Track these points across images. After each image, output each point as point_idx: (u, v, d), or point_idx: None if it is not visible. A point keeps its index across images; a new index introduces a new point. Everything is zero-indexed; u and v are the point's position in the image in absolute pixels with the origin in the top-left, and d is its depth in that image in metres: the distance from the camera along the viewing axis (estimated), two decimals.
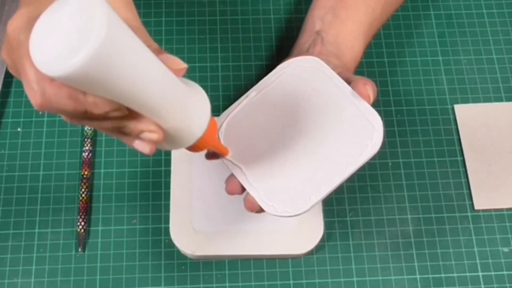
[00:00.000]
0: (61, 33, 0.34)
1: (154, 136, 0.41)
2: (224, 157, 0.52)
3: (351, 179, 0.67)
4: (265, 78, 0.55)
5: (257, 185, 0.51)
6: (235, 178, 0.52)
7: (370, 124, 0.51)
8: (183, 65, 0.42)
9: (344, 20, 0.61)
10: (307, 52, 0.60)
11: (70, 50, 0.33)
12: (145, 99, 0.39)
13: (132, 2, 0.45)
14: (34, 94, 0.38)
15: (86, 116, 0.38)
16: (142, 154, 0.68)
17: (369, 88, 0.52)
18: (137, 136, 0.41)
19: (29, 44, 0.36)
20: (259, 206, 0.51)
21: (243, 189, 0.52)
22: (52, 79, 0.36)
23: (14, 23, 0.39)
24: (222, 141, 0.53)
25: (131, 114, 0.40)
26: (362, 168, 0.51)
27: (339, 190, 0.67)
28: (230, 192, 0.52)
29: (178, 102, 0.42)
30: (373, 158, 0.50)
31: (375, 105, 0.71)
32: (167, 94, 0.40)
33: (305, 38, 0.62)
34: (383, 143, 0.69)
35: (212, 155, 0.53)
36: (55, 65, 0.34)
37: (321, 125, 0.51)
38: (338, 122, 0.51)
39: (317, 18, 0.62)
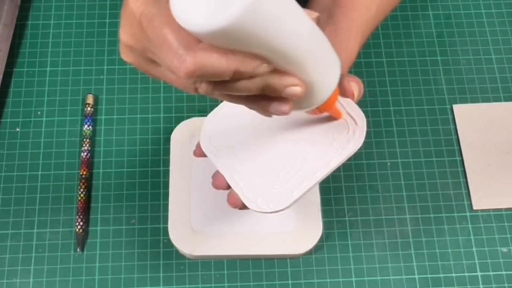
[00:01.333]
0: None
1: (298, 90, 0.40)
2: (338, 119, 0.51)
3: (349, 179, 0.68)
4: None
5: (241, 181, 0.51)
6: (220, 173, 0.52)
7: (353, 120, 0.51)
8: (316, 14, 0.41)
9: (338, 19, 0.61)
10: None
11: (223, 3, 0.32)
12: (295, 50, 0.38)
13: None
14: (183, 61, 0.36)
15: (235, 76, 0.37)
16: (141, 154, 0.68)
17: (354, 85, 0.52)
18: (280, 93, 0.40)
19: (172, 6, 0.34)
20: (242, 202, 0.51)
21: (229, 185, 0.52)
22: (199, 41, 0.35)
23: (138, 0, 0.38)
24: (208, 140, 0.53)
25: (274, 71, 0.39)
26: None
27: (337, 190, 0.67)
28: (216, 187, 0.53)
29: (322, 53, 0.41)
30: (357, 154, 0.51)
31: (373, 105, 0.71)
32: (315, 43, 0.40)
33: None
34: (381, 143, 0.69)
35: (200, 153, 0.54)
36: (208, 21, 0.33)
37: (304, 121, 0.52)
38: (322, 119, 0.52)
39: (312, 18, 0.62)
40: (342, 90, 0.52)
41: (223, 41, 0.35)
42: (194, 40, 0.36)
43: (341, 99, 0.52)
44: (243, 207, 0.52)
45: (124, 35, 0.40)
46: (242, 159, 0.52)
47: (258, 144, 0.52)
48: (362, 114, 0.51)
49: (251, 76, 0.38)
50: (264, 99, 0.41)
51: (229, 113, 0.54)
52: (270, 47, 0.36)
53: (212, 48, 0.36)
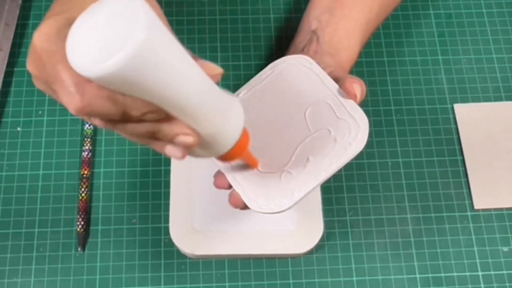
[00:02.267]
0: (100, 35, 0.34)
1: (189, 139, 0.40)
2: (254, 168, 0.52)
3: (350, 178, 0.68)
4: (256, 76, 0.55)
5: (242, 181, 0.51)
6: (222, 173, 0.52)
7: (355, 122, 0.51)
8: (219, 70, 0.42)
9: (340, 19, 0.61)
10: (302, 51, 0.60)
11: (109, 51, 0.33)
12: (183, 101, 0.38)
13: (156, 4, 0.45)
14: (72, 98, 0.37)
15: (123, 118, 0.38)
16: (142, 153, 0.68)
17: (356, 87, 0.52)
18: (171, 140, 0.41)
19: (67, 48, 0.35)
20: (243, 202, 0.51)
21: (230, 185, 0.52)
22: (89, 81, 0.37)
23: (42, 34, 0.39)
24: None
25: (166, 118, 0.40)
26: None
27: (338, 189, 0.67)
28: (218, 187, 0.53)
29: (214, 106, 0.41)
30: (360, 155, 0.50)
31: (374, 104, 0.71)
32: (205, 97, 0.40)
33: (301, 38, 0.62)
34: (382, 143, 0.69)
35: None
36: (94, 66, 0.34)
37: (307, 123, 0.52)
38: (324, 120, 0.52)
39: (314, 18, 0.62)
40: (344, 91, 0.52)
41: (109, 86, 0.36)
42: (85, 79, 0.37)
43: (343, 100, 0.52)
44: (245, 207, 0.52)
45: (29, 65, 0.42)
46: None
47: (259, 144, 0.52)
48: (365, 116, 0.51)
49: (140, 120, 0.39)
50: (158, 140, 0.41)
51: None
52: (157, 97, 0.37)
53: (100, 90, 0.37)
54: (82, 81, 0.37)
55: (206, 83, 0.40)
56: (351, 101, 0.52)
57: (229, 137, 0.44)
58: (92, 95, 0.37)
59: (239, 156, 0.47)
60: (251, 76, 0.73)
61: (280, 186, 0.50)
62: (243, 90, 0.55)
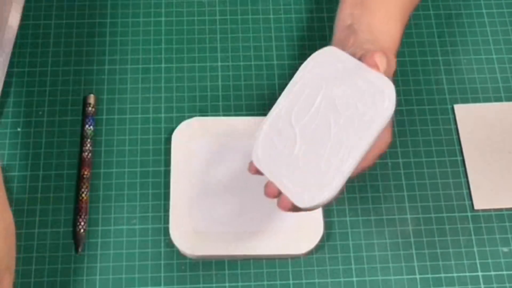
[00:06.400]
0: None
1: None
2: None
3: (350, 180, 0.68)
4: (289, 83, 0.56)
5: (289, 184, 0.52)
6: (271, 182, 0.53)
7: (380, 90, 0.51)
8: None
9: (373, 10, 0.62)
10: (342, 45, 0.60)
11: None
12: None
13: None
14: None
15: None
16: (142, 154, 0.68)
17: (378, 56, 0.53)
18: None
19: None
20: (292, 204, 0.52)
21: (279, 192, 0.53)
22: None
23: None
24: (259, 157, 0.54)
25: None
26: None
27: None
28: (268, 196, 0.54)
29: None
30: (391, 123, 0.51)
31: None
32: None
33: (338, 34, 0.62)
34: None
35: (254, 169, 0.55)
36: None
37: (337, 106, 0.52)
38: (351, 98, 0.52)
39: (347, 15, 0.63)
40: (367, 65, 0.53)
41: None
42: None
43: (368, 74, 0.52)
44: (293, 208, 0.52)
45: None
46: (289, 163, 0.53)
47: (301, 143, 0.53)
48: (389, 81, 0.52)
49: None
50: None
51: (273, 129, 0.55)
52: None
53: None
54: None
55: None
56: (373, 71, 0.52)
57: None
58: None
59: None
60: (251, 77, 0.73)
61: (321, 175, 0.51)
62: (282, 99, 0.55)
